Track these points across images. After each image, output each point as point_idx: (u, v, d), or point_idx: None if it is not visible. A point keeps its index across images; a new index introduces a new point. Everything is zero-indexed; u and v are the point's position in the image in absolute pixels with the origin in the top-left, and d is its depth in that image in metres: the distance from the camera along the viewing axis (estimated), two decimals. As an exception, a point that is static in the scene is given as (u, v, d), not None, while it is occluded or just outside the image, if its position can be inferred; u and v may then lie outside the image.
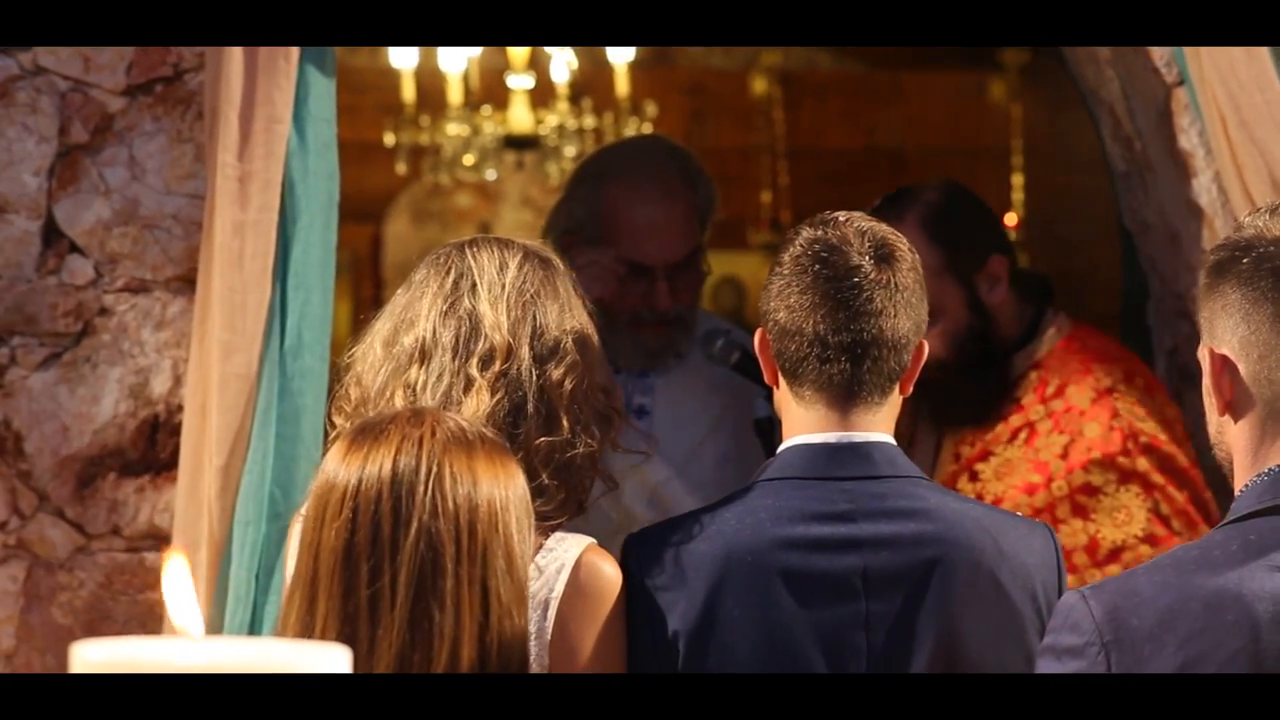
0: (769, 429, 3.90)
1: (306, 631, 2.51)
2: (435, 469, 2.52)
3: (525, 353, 2.83)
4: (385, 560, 2.50)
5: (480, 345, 2.83)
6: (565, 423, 2.82)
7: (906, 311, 2.85)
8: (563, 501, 2.82)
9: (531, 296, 2.87)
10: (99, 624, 3.56)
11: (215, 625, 3.41)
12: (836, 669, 2.77)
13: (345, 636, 2.48)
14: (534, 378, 2.82)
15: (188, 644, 1.58)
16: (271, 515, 3.43)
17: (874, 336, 2.82)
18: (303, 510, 2.90)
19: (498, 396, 2.80)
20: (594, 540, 2.82)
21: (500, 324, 2.83)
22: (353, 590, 2.50)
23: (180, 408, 3.53)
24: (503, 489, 2.55)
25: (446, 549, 2.49)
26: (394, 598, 2.49)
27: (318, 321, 3.50)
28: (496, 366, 2.82)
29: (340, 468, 2.56)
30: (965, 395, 3.82)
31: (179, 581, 1.63)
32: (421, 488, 2.51)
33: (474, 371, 2.81)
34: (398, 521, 2.50)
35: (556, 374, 2.83)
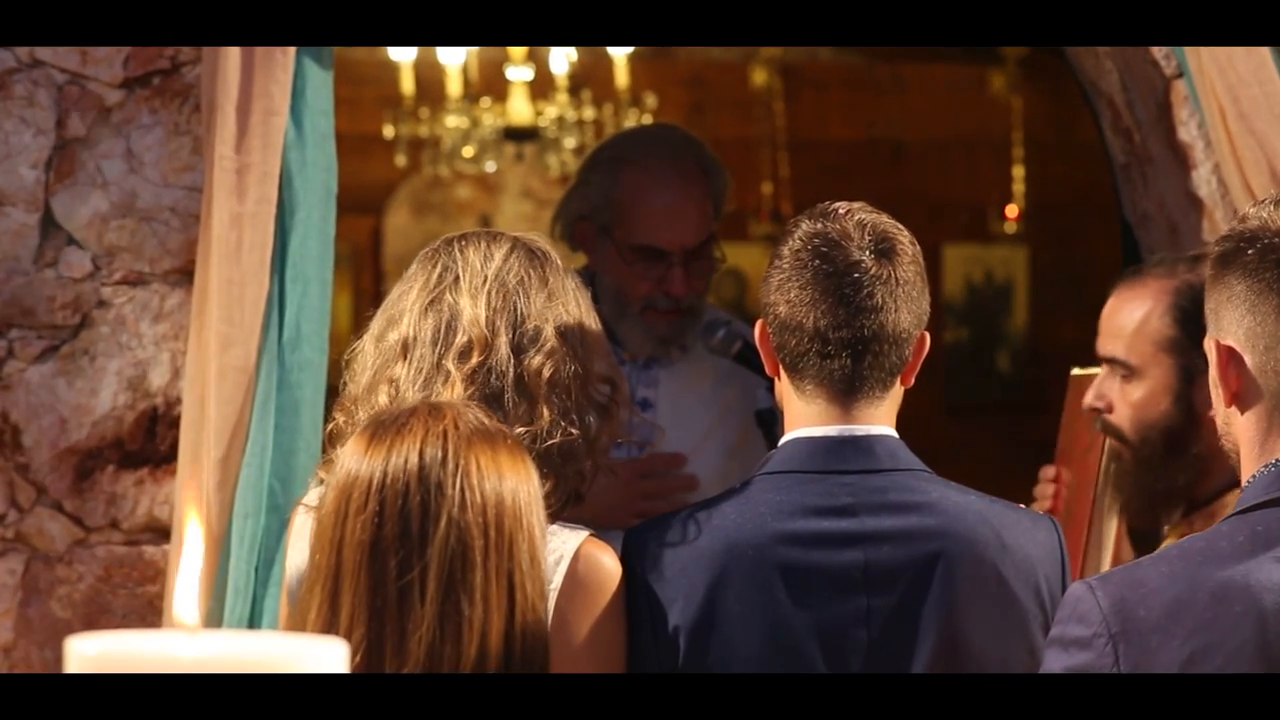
0: (771, 420, 3.90)
1: (330, 627, 2.50)
2: (462, 462, 2.51)
3: (503, 343, 2.81)
4: (415, 554, 2.48)
5: (458, 339, 2.82)
6: (545, 412, 2.80)
7: (907, 305, 2.83)
8: (551, 490, 2.80)
9: (514, 286, 2.85)
10: (98, 617, 3.56)
11: (214, 618, 3.40)
12: (837, 664, 2.76)
13: (373, 631, 2.47)
14: (511, 368, 2.81)
15: (185, 638, 1.58)
16: (271, 507, 3.43)
17: (875, 332, 2.80)
18: (305, 501, 2.89)
19: (473, 389, 2.78)
20: (592, 531, 2.82)
21: (479, 317, 2.82)
22: (381, 585, 2.49)
23: (179, 400, 3.53)
24: (525, 484, 2.55)
25: (475, 542, 2.48)
26: (424, 592, 2.48)
27: (316, 313, 3.50)
28: (474, 360, 2.80)
29: (362, 461, 2.54)
30: (1133, 487, 3.53)
31: (191, 557, 1.62)
32: (449, 481, 2.50)
33: (450, 365, 2.80)
34: (427, 515, 2.49)
35: (534, 362, 2.81)
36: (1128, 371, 3.48)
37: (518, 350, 2.82)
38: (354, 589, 2.50)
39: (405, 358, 2.84)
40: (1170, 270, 3.51)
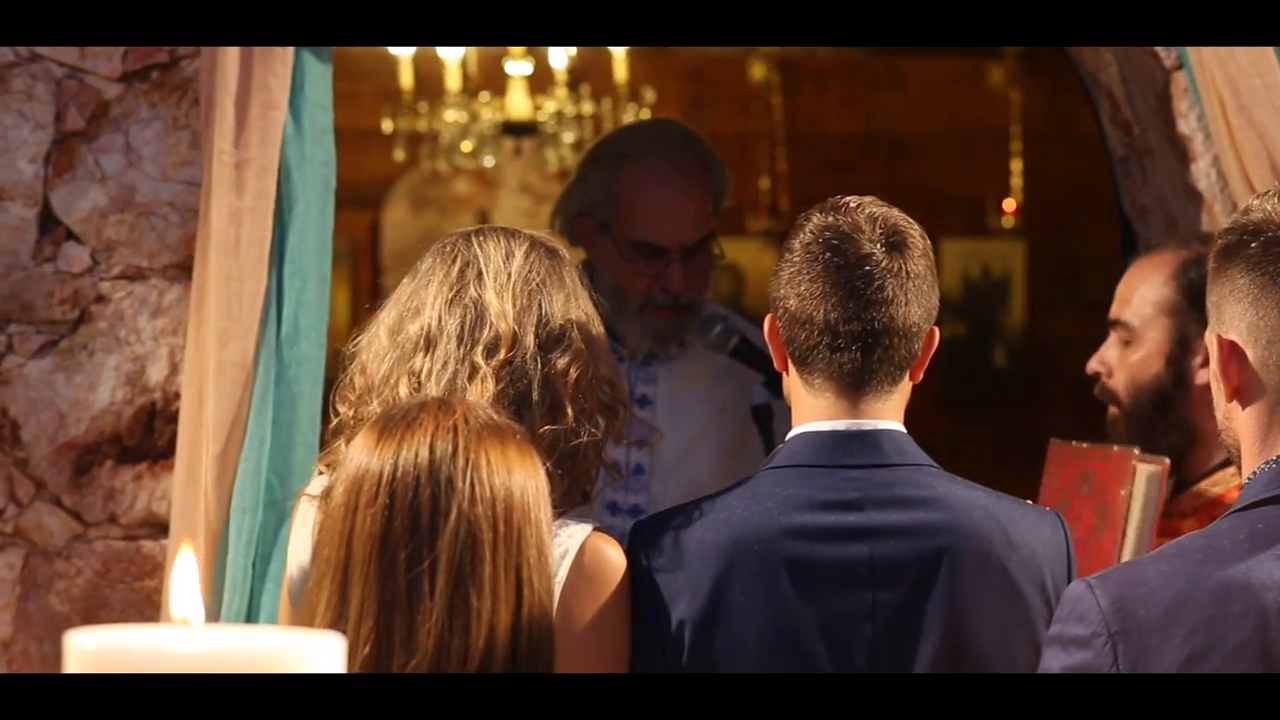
0: (766, 416, 3.90)
1: (339, 620, 2.50)
2: (472, 457, 2.51)
3: (530, 341, 2.82)
4: (424, 547, 2.49)
5: (485, 333, 2.83)
6: (570, 412, 2.81)
7: (917, 299, 2.83)
8: (566, 491, 2.81)
9: (537, 285, 2.86)
10: (96, 612, 3.56)
11: (212, 613, 3.40)
12: (842, 659, 2.75)
13: (382, 624, 2.48)
14: (539, 366, 2.82)
15: (183, 632, 1.58)
16: (268, 502, 3.43)
17: (885, 325, 2.80)
18: (307, 490, 2.90)
19: (502, 385, 2.79)
20: (598, 525, 2.82)
21: (506, 312, 2.83)
22: (390, 577, 2.49)
23: (177, 395, 3.53)
24: (533, 478, 2.55)
25: (484, 536, 2.48)
26: (433, 585, 2.48)
27: (314, 309, 3.50)
28: (501, 355, 2.81)
29: (372, 456, 2.54)
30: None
31: (186, 574, 1.62)
32: (460, 476, 2.50)
33: (479, 359, 2.81)
34: (436, 508, 2.49)
35: (561, 363, 2.83)
36: (1129, 334, 3.57)
37: (544, 349, 2.83)
38: (363, 582, 2.50)
39: (428, 350, 2.84)
40: (1184, 243, 3.61)
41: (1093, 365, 3.64)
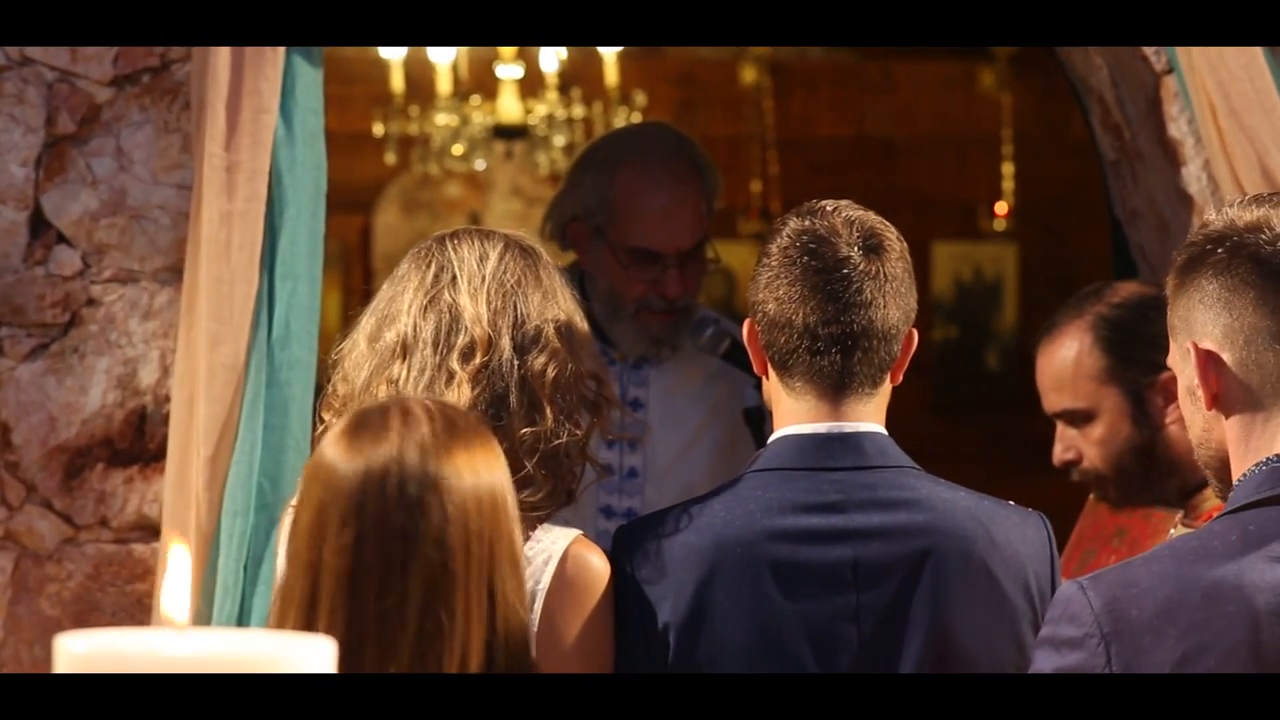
0: (759, 418, 3.90)
1: None
2: (442, 478, 2.43)
3: (506, 344, 2.82)
4: (395, 576, 2.43)
5: (461, 338, 2.82)
6: (549, 412, 2.80)
7: (896, 301, 2.84)
8: (550, 491, 2.80)
9: (512, 286, 2.86)
10: (87, 615, 3.56)
11: (203, 616, 3.40)
12: (826, 661, 2.76)
13: (352, 652, 2.43)
14: (515, 368, 2.81)
15: (174, 636, 1.58)
16: (259, 506, 3.42)
17: (864, 327, 2.81)
18: (293, 503, 2.87)
19: (479, 389, 2.78)
20: (581, 532, 2.81)
21: (480, 316, 2.82)
22: (360, 609, 2.42)
23: (168, 398, 3.53)
24: (500, 475, 2.51)
25: (456, 555, 2.43)
26: (404, 615, 2.42)
27: (305, 312, 3.49)
28: (477, 360, 2.80)
29: (339, 467, 2.48)
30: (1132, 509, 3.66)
31: (178, 573, 1.62)
32: (430, 496, 2.45)
33: (455, 365, 2.80)
34: (407, 535, 2.43)
35: (538, 363, 2.82)
36: (1083, 417, 3.57)
37: (520, 350, 2.82)
38: (330, 613, 2.43)
39: (404, 358, 2.83)
40: (1077, 311, 3.60)
41: (1062, 456, 3.62)
